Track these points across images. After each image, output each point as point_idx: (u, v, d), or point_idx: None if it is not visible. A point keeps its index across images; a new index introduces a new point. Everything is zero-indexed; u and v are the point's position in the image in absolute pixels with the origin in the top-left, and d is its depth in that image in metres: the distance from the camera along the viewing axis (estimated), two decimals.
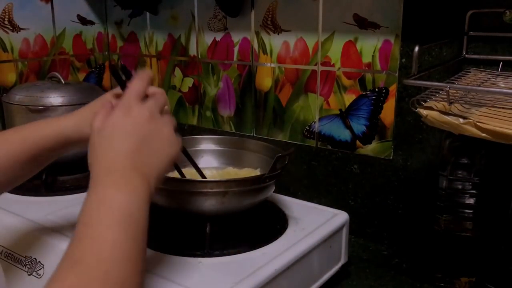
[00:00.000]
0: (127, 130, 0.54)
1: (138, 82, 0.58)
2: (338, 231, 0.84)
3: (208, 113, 1.20)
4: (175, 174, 0.84)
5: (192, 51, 1.19)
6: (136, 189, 0.50)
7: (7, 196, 0.95)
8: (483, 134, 0.60)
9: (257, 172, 0.91)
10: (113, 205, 0.47)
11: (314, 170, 1.04)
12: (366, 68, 0.94)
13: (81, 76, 1.34)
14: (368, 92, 0.95)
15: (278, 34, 1.04)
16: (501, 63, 0.79)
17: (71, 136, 0.65)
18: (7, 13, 1.16)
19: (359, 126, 0.97)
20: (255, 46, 1.08)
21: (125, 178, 0.50)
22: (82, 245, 0.44)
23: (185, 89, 1.24)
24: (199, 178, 0.85)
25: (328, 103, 1.00)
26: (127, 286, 0.44)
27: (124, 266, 0.44)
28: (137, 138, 0.54)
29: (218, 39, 1.14)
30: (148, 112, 0.56)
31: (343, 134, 1.00)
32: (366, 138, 0.97)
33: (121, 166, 0.51)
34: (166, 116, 0.59)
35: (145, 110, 0.56)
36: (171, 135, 0.58)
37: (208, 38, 1.15)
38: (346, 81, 0.97)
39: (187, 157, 0.82)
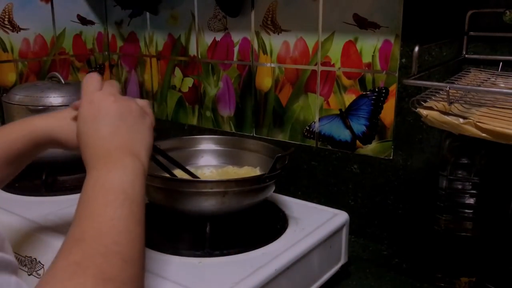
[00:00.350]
0: (96, 117, 0.56)
1: (89, 79, 0.61)
2: (338, 231, 0.84)
3: (208, 113, 1.20)
4: (179, 174, 0.84)
5: (192, 51, 1.19)
6: (127, 167, 0.52)
7: (7, 196, 0.95)
8: (483, 134, 0.60)
9: (256, 171, 0.91)
10: (106, 185, 0.50)
11: (314, 170, 1.04)
12: (366, 68, 0.94)
13: (81, 76, 1.34)
14: (368, 92, 0.95)
15: (278, 34, 1.04)
16: (501, 63, 0.79)
17: (41, 137, 0.66)
18: (7, 13, 1.16)
19: (359, 126, 0.97)
20: (255, 46, 1.08)
21: (113, 159, 0.53)
22: (82, 224, 0.47)
23: (185, 89, 1.24)
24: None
25: (328, 103, 1.00)
26: (128, 255, 0.46)
27: (124, 238, 0.47)
28: (110, 120, 0.56)
29: (218, 39, 1.14)
30: (109, 94, 0.58)
31: (343, 134, 1.00)
32: (366, 138, 0.97)
33: (105, 150, 0.54)
34: (128, 97, 0.61)
35: (106, 94, 0.58)
36: (138, 107, 0.60)
37: (208, 38, 1.15)
38: (346, 81, 0.97)
39: (169, 159, 0.81)
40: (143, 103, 0.63)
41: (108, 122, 0.56)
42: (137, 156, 0.55)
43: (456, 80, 0.74)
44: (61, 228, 0.81)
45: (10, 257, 0.38)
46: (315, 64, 1.00)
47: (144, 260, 0.49)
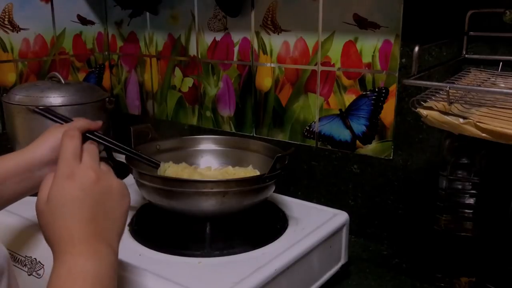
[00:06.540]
0: (77, 197, 0.51)
1: (69, 142, 0.55)
2: (338, 231, 0.84)
3: (208, 113, 1.20)
4: (184, 173, 0.83)
5: (192, 51, 1.19)
6: (102, 256, 0.50)
7: None
8: (483, 134, 0.60)
9: (256, 171, 0.91)
10: (83, 273, 0.48)
11: (314, 170, 1.04)
12: (366, 68, 0.94)
13: (81, 76, 1.34)
14: (368, 92, 0.95)
15: (278, 34, 1.04)
16: (501, 63, 0.79)
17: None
18: (7, 13, 1.16)
19: (359, 126, 0.97)
20: (255, 46, 1.08)
21: (90, 246, 0.50)
22: None
23: (185, 89, 1.24)
24: (199, 177, 0.85)
25: (328, 103, 1.00)
26: None
27: None
28: (90, 204, 0.52)
29: (218, 39, 1.14)
30: (92, 171, 0.53)
31: (343, 134, 0.99)
32: (366, 138, 0.97)
33: (83, 235, 0.50)
34: (104, 166, 0.56)
35: (88, 170, 0.53)
36: (119, 186, 0.56)
37: (208, 38, 1.15)
38: (346, 81, 0.97)
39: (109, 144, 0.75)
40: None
41: (87, 206, 0.51)
42: (111, 245, 0.52)
43: (456, 80, 0.74)
44: None
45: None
46: (315, 64, 1.00)
47: None
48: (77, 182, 0.52)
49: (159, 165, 0.82)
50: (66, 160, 0.54)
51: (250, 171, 0.91)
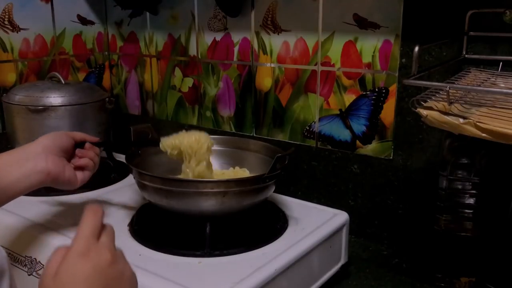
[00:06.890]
0: (89, 278, 0.47)
1: (92, 218, 0.52)
2: (338, 231, 0.84)
3: (208, 113, 1.20)
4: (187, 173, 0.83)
5: (192, 51, 1.19)
6: None
7: None
8: (483, 134, 0.60)
9: (243, 170, 0.91)
10: None
11: (314, 170, 1.04)
12: (366, 68, 0.94)
13: (81, 76, 1.34)
14: (368, 92, 0.95)
15: (278, 34, 1.04)
16: (501, 63, 0.79)
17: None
18: (7, 13, 1.16)
19: (359, 126, 0.97)
20: (255, 46, 1.08)
21: None
22: None
23: (185, 89, 1.24)
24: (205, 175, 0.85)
25: (328, 103, 1.00)
26: None
27: None
28: (101, 286, 0.48)
29: (218, 39, 1.14)
30: (109, 253, 0.50)
31: (343, 134, 0.99)
32: (366, 138, 0.97)
33: None
34: (119, 250, 0.53)
35: (105, 251, 0.50)
36: (132, 274, 0.53)
37: (208, 38, 1.15)
38: (346, 81, 0.97)
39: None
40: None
41: None
42: None
43: (456, 80, 0.74)
44: (61, 228, 0.81)
45: None
46: (315, 64, 1.00)
47: None
48: (92, 261, 0.48)
49: (159, 141, 0.86)
50: (83, 236, 0.50)
51: (240, 172, 0.91)
